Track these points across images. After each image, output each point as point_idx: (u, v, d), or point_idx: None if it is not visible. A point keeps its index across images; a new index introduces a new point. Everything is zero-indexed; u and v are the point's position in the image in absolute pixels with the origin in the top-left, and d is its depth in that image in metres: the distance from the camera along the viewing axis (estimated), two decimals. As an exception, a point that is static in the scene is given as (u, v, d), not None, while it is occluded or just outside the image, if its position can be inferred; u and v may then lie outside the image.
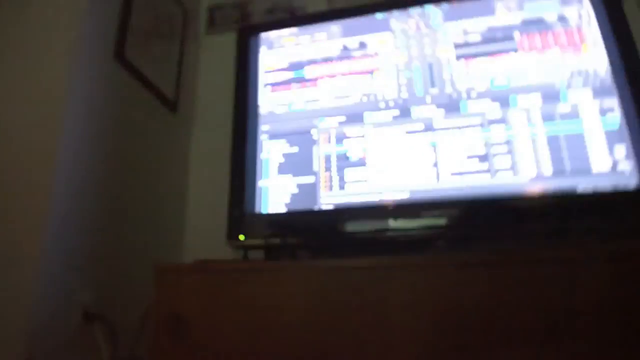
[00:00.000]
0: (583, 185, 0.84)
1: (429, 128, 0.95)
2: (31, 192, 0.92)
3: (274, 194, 0.99)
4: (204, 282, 0.84)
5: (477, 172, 0.89)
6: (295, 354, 0.75)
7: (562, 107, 0.89)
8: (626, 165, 0.84)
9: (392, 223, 0.90)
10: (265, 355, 0.76)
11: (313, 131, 1.01)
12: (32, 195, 0.92)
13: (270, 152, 1.02)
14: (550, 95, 0.90)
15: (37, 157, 0.95)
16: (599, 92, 0.89)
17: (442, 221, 0.89)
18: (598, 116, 0.87)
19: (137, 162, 1.19)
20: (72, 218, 0.96)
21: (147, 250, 1.19)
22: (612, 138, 0.86)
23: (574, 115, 0.88)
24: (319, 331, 0.75)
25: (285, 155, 1.01)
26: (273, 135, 1.03)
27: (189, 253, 1.32)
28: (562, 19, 0.96)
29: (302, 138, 1.01)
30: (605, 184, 0.83)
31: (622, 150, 0.85)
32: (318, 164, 0.98)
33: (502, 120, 0.92)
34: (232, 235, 0.98)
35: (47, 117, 0.97)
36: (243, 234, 0.97)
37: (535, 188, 0.86)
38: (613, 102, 0.87)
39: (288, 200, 0.97)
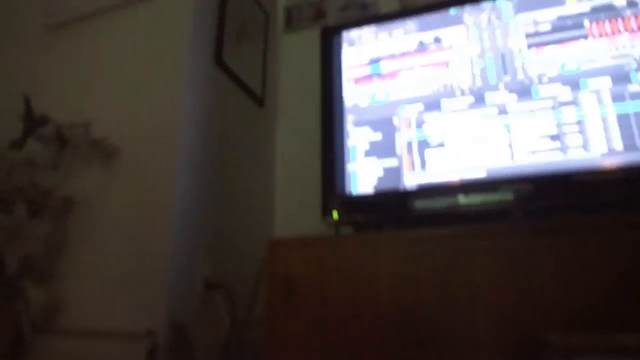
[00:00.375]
0: (653, 159, 0.91)
1: (502, 112, 1.04)
2: (161, 190, 1.11)
3: (362, 176, 1.12)
4: (310, 254, 0.99)
5: (550, 149, 0.98)
6: (390, 312, 0.88)
7: (632, 88, 0.96)
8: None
9: (472, 199, 1.01)
10: (364, 317, 0.90)
11: (394, 119, 1.13)
12: (162, 192, 1.10)
13: (357, 138, 1.15)
14: (620, 77, 0.97)
15: (163, 154, 1.13)
16: (668, 72, 0.95)
17: (517, 195, 0.99)
18: (667, 94, 0.94)
19: (234, 153, 1.36)
20: (192, 206, 1.14)
21: (251, 229, 1.36)
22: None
23: (643, 94, 0.95)
24: (411, 292, 0.88)
25: (370, 142, 1.14)
26: (358, 123, 1.16)
27: (282, 230, 1.49)
28: (631, 4, 1.01)
29: (385, 125, 1.13)
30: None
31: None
32: (400, 148, 1.10)
33: (573, 102, 1.00)
34: (326, 212, 1.12)
35: (168, 123, 1.15)
36: (336, 212, 1.11)
37: (607, 162, 0.94)
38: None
39: (375, 182, 1.10)
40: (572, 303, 0.77)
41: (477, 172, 1.02)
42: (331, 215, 1.12)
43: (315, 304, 0.95)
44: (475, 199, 1.01)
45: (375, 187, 1.10)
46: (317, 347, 0.92)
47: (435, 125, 1.09)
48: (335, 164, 1.15)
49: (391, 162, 1.10)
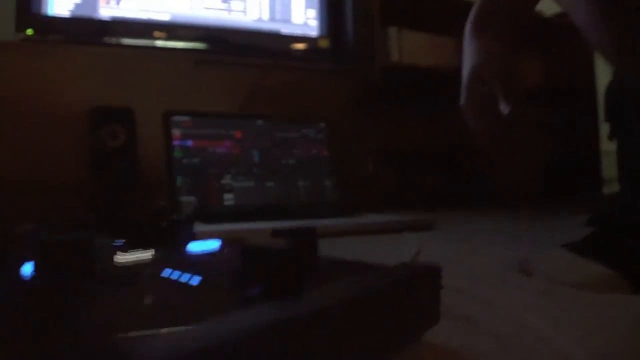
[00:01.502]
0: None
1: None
2: None
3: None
4: None
5: (220, 9, 1.30)
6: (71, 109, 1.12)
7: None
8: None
9: (163, 42, 1.27)
10: (47, 113, 1.12)
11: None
12: None
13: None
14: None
15: None
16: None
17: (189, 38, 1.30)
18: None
19: None
20: None
21: None
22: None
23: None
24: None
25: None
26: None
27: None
28: None
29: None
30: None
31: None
32: (97, -20, 1.23)
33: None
34: (20, 29, 1.20)
35: None
36: (31, 29, 1.20)
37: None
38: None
39: (72, 7, 1.22)
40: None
41: (163, 15, 1.27)
42: (24, 32, 1.20)
43: (6, 103, 1.10)
44: (165, 43, 1.27)
45: (72, 12, 1.23)
46: (7, 137, 1.09)
47: (131, -34, 1.25)
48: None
49: (88, -9, 1.23)
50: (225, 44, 1.32)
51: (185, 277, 0.23)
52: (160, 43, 1.27)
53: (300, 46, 1.39)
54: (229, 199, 0.89)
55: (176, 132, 0.91)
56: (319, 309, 0.18)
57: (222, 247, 0.33)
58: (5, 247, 0.26)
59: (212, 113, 0.96)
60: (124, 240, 0.31)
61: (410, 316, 0.26)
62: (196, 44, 1.30)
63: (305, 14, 1.41)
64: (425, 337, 0.27)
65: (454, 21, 1.73)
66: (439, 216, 0.98)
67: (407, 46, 1.54)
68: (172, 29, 1.28)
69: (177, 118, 0.92)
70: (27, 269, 0.24)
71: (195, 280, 0.23)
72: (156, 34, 1.27)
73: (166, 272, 0.24)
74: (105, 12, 1.24)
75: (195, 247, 0.32)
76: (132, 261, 0.27)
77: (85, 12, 1.23)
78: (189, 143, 0.91)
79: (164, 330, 0.14)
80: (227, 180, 0.90)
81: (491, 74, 0.53)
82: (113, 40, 1.25)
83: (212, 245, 0.33)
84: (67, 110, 1.12)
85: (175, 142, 0.90)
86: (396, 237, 0.77)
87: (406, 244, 0.69)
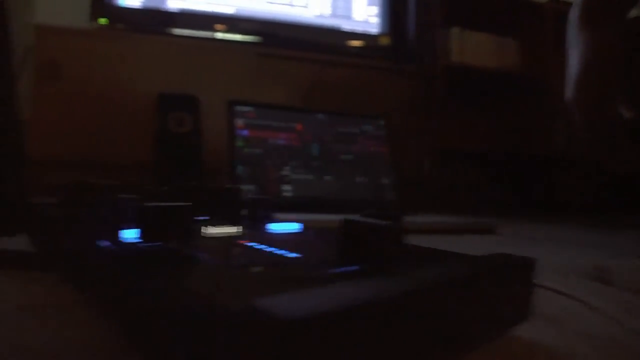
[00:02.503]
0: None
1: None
2: None
3: (131, -10, 1.27)
4: (79, 44, 1.16)
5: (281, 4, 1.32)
6: (140, 93, 1.16)
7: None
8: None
9: (223, 35, 1.30)
10: (120, 97, 1.16)
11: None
12: None
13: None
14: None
15: None
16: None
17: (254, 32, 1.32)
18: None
19: None
20: None
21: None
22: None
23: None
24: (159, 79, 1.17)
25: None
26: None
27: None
28: None
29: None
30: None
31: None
32: (168, -27, 1.27)
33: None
34: (94, 18, 1.25)
35: None
36: (105, 18, 1.25)
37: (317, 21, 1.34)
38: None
39: (143, -2, 1.27)
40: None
41: (228, 8, 1.30)
42: (98, 21, 1.26)
43: (79, 86, 1.15)
44: (228, 35, 1.30)
45: (142, 3, 1.27)
46: (78, 120, 1.15)
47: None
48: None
49: (158, -17, 1.27)
50: (286, 38, 1.33)
51: (281, 252, 0.23)
52: (223, 35, 1.30)
53: (360, 43, 1.39)
54: (287, 190, 0.90)
55: (239, 122, 0.92)
56: (422, 288, 0.18)
57: (304, 228, 0.33)
58: (107, 214, 0.27)
59: (275, 105, 0.97)
60: (207, 217, 0.32)
61: (501, 308, 0.25)
62: (258, 37, 1.32)
63: (366, 10, 1.40)
64: (514, 333, 0.26)
65: (518, 23, 1.68)
66: (498, 221, 0.95)
67: (469, 47, 1.50)
68: (236, 22, 1.30)
69: (240, 108, 0.94)
70: (129, 234, 0.25)
71: (293, 255, 0.23)
72: (220, 26, 1.30)
73: (259, 247, 0.24)
74: (173, 4, 1.28)
75: (276, 227, 0.32)
76: (222, 234, 0.28)
77: (154, 4, 1.28)
78: (251, 133, 0.92)
79: (291, 293, 0.14)
80: (286, 171, 0.91)
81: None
82: (180, 31, 1.29)
83: (292, 226, 0.33)
84: (136, 95, 1.16)
85: (238, 132, 0.92)
86: (456, 238, 0.75)
87: (469, 246, 0.67)
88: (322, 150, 0.96)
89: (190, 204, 0.24)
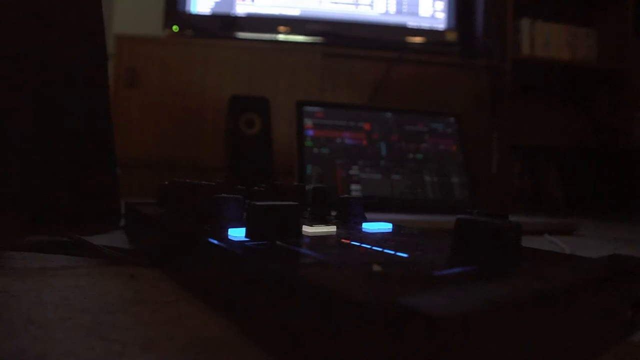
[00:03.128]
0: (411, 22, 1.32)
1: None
2: None
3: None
4: (154, 51, 1.21)
5: (346, 3, 1.32)
6: (212, 97, 1.20)
7: (410, -34, 1.31)
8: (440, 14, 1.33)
9: (287, 37, 1.31)
10: (194, 103, 1.20)
11: (233, -50, 1.30)
12: None
13: (198, -38, 1.30)
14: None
15: None
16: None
17: (320, 32, 1.33)
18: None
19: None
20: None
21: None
22: (434, -6, 1.32)
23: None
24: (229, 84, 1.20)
25: (210, -34, 1.31)
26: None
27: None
28: None
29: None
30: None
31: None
32: (235, -21, 1.31)
33: (371, -32, 1.31)
34: (167, 25, 1.31)
35: None
36: (177, 26, 1.30)
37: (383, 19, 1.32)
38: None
39: (212, 5, 1.31)
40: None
41: (293, 11, 1.32)
42: (171, 28, 1.32)
43: (155, 90, 1.21)
44: (295, 37, 1.32)
45: (212, 9, 1.32)
46: (154, 123, 1.21)
47: (266, -36, 1.31)
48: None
49: (226, -11, 1.31)
50: (351, 37, 1.33)
51: (389, 251, 0.23)
52: (290, 37, 1.32)
53: (427, 39, 1.36)
54: (356, 189, 0.90)
55: (308, 122, 0.93)
56: (561, 288, 0.17)
57: (396, 228, 0.32)
58: (213, 212, 0.28)
59: (342, 104, 0.97)
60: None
61: (623, 311, 0.23)
62: (324, 37, 1.33)
63: (433, 6, 1.37)
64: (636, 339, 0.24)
65: (594, 11, 1.58)
66: (576, 220, 0.90)
67: (541, 38, 1.44)
68: (302, 24, 1.32)
69: (308, 108, 0.95)
70: (235, 232, 0.25)
71: (402, 254, 0.22)
72: (287, 28, 1.32)
73: (365, 246, 0.24)
74: (241, 9, 1.32)
75: (370, 226, 0.32)
76: (323, 233, 0.28)
77: (223, 9, 1.32)
78: (319, 133, 0.93)
79: (432, 292, 0.14)
80: (354, 171, 0.91)
81: None
82: (247, 34, 1.32)
83: (386, 226, 0.33)
84: (207, 98, 1.21)
85: (306, 132, 0.93)
86: (535, 239, 0.72)
87: (549, 246, 0.64)
88: (390, 149, 0.95)
89: (297, 203, 0.25)
